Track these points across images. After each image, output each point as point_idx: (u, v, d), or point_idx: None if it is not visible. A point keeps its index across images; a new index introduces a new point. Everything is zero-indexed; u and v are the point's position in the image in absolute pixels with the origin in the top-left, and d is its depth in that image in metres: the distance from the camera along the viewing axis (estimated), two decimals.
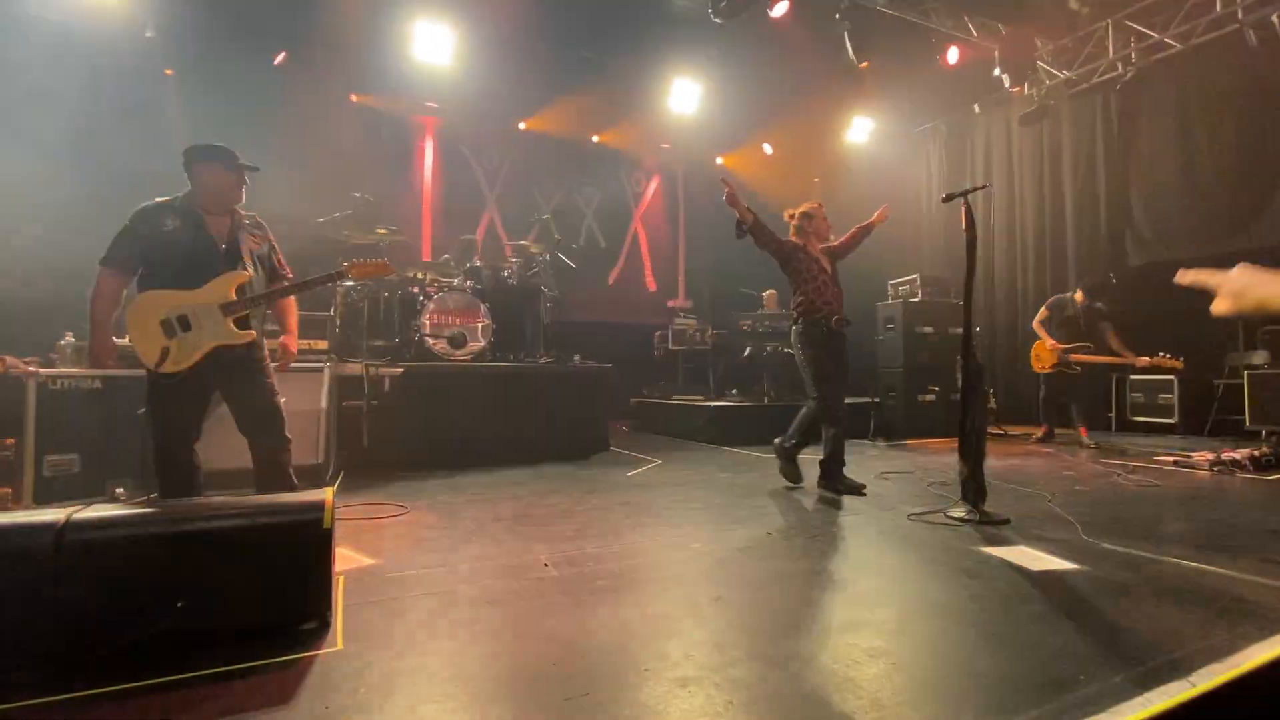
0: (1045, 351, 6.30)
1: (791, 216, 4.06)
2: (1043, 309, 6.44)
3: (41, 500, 3.23)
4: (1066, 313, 6.24)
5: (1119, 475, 4.39)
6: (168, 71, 6.15)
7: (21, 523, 1.68)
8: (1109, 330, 6.05)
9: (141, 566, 1.69)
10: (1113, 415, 7.22)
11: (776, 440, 4.10)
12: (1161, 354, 5.86)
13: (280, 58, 6.62)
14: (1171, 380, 6.71)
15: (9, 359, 3.33)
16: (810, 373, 3.84)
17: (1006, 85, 7.63)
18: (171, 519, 1.79)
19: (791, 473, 4.02)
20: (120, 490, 3.39)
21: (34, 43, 5.42)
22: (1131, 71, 7.20)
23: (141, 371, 2.64)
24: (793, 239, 3.97)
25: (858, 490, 3.75)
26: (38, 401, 3.30)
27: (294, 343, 3.02)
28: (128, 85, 5.83)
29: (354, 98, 7.17)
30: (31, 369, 3.33)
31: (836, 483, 3.80)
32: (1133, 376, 7.09)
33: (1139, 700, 1.45)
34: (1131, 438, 6.62)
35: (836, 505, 3.53)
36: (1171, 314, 7.03)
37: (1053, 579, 2.30)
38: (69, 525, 1.65)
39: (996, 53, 7.39)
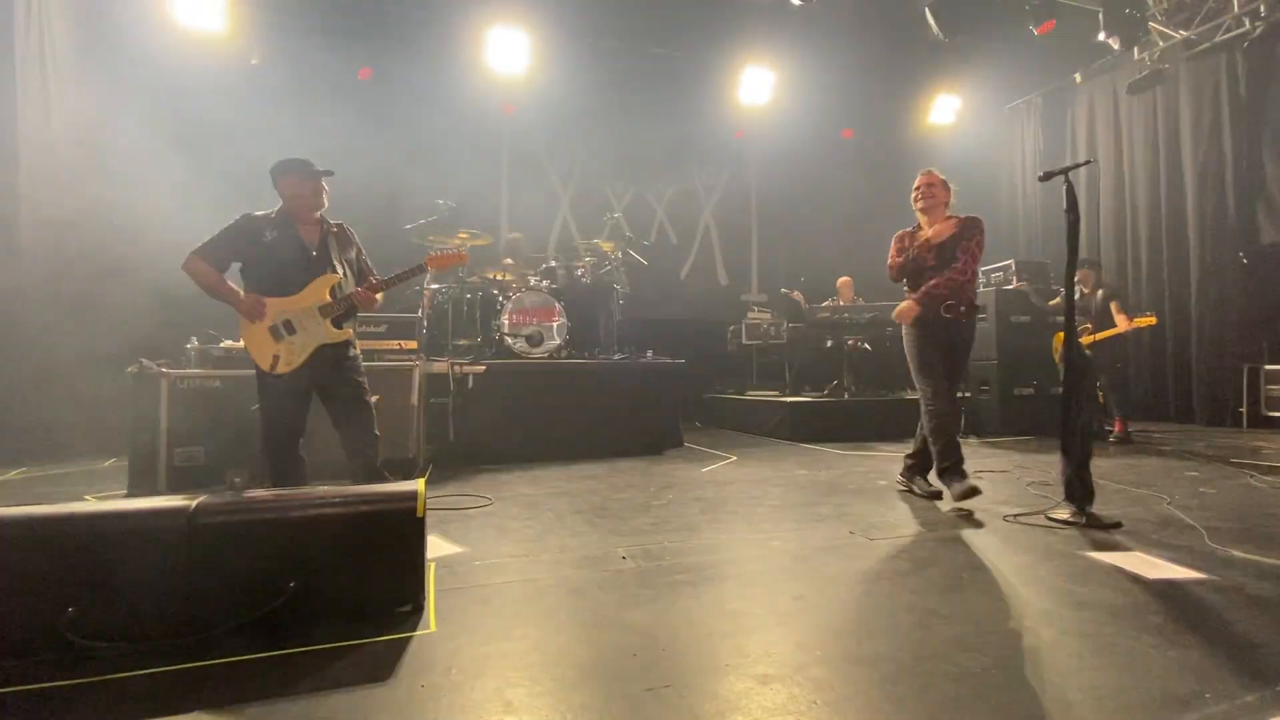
0: (1058, 342, 6.09)
1: None
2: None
3: (173, 488, 3.59)
4: (1077, 300, 5.86)
5: (1252, 476, 3.95)
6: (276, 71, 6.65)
7: (158, 506, 1.87)
8: (1114, 305, 5.66)
9: (259, 549, 1.85)
10: (1244, 411, 6.50)
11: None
12: (1144, 313, 5.61)
13: (365, 72, 7.01)
14: None
15: (145, 362, 3.72)
16: (913, 365, 3.53)
17: (1116, 49, 6.98)
18: (283, 506, 1.95)
19: (960, 487, 3.23)
20: (238, 480, 3.71)
21: (154, 76, 6.03)
22: (1261, 27, 6.44)
23: (252, 371, 2.88)
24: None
25: (933, 495, 3.47)
26: (169, 399, 3.68)
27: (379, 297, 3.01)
28: (242, 109, 6.36)
29: (435, 106, 7.49)
30: (164, 370, 3.71)
31: (912, 480, 3.63)
32: (1268, 367, 6.36)
33: None
34: (1268, 435, 5.94)
35: (924, 506, 3.38)
36: None
37: (1172, 588, 2.11)
38: (198, 509, 1.83)
39: (1101, 15, 6.78)
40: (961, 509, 3.20)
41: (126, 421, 3.69)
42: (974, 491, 3.14)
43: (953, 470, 3.26)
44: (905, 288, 3.58)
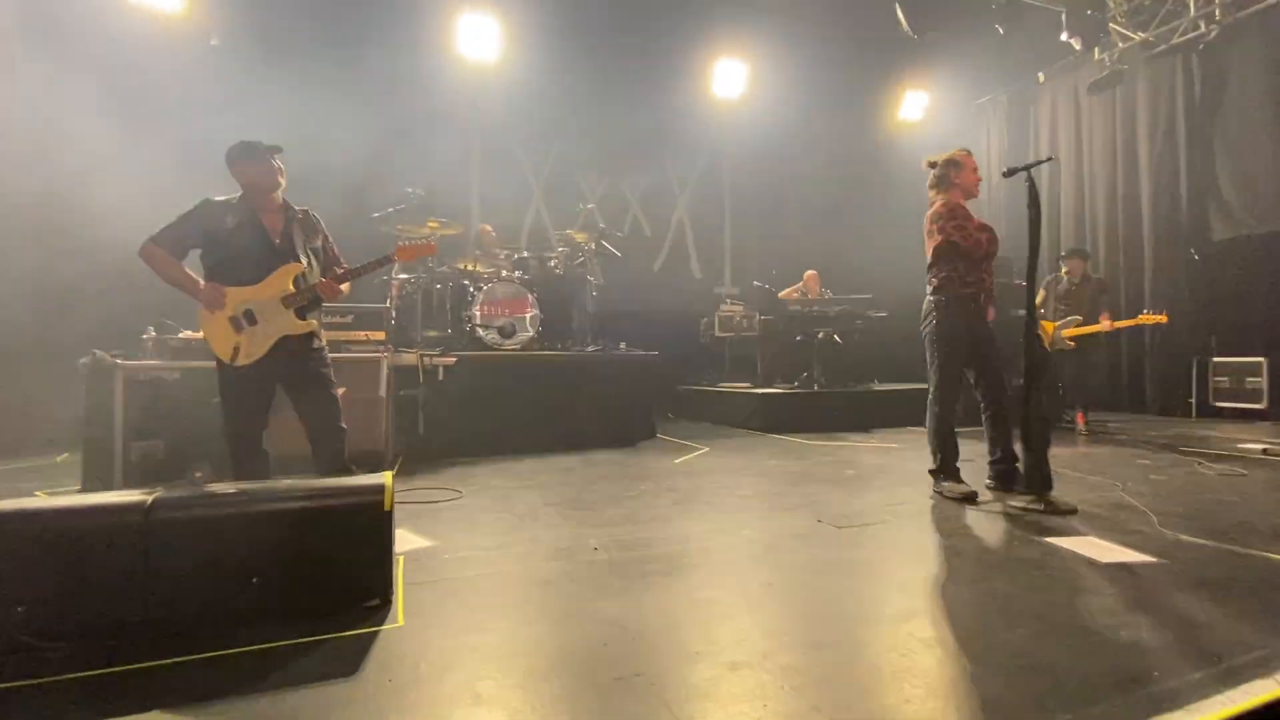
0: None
1: (932, 165, 3.38)
2: (1040, 290, 6.09)
3: (131, 483, 3.47)
4: (1060, 288, 5.96)
5: (1200, 464, 4.12)
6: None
7: (114, 502, 1.81)
8: (1104, 308, 5.76)
9: (220, 544, 1.80)
10: (1193, 401, 6.78)
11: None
12: (1145, 311, 5.64)
13: None
14: (1260, 363, 6.25)
15: (99, 353, 3.59)
16: (937, 360, 3.35)
17: (1076, 49, 7.16)
18: (246, 500, 1.90)
19: (954, 488, 3.24)
20: (199, 474, 3.61)
21: (109, 56, 5.78)
22: (1215, 30, 6.67)
23: (213, 363, 2.79)
24: (936, 194, 3.35)
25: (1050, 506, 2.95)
26: (124, 392, 3.55)
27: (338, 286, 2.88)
28: (201, 91, 6.13)
29: (405, 93, 7.32)
30: (119, 362, 3.57)
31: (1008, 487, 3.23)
32: (1216, 359, 6.63)
33: (1220, 699, 1.37)
34: (1215, 424, 6.21)
35: (892, 494, 3.45)
36: (1261, 290, 6.56)
37: (1124, 571, 2.19)
38: (155, 504, 1.77)
39: (1064, 15, 6.94)
40: (932, 496, 3.30)
41: (80, 415, 3.56)
42: (972, 496, 3.17)
43: (949, 473, 3.32)
44: (938, 273, 3.33)
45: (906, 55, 7.82)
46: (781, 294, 7.31)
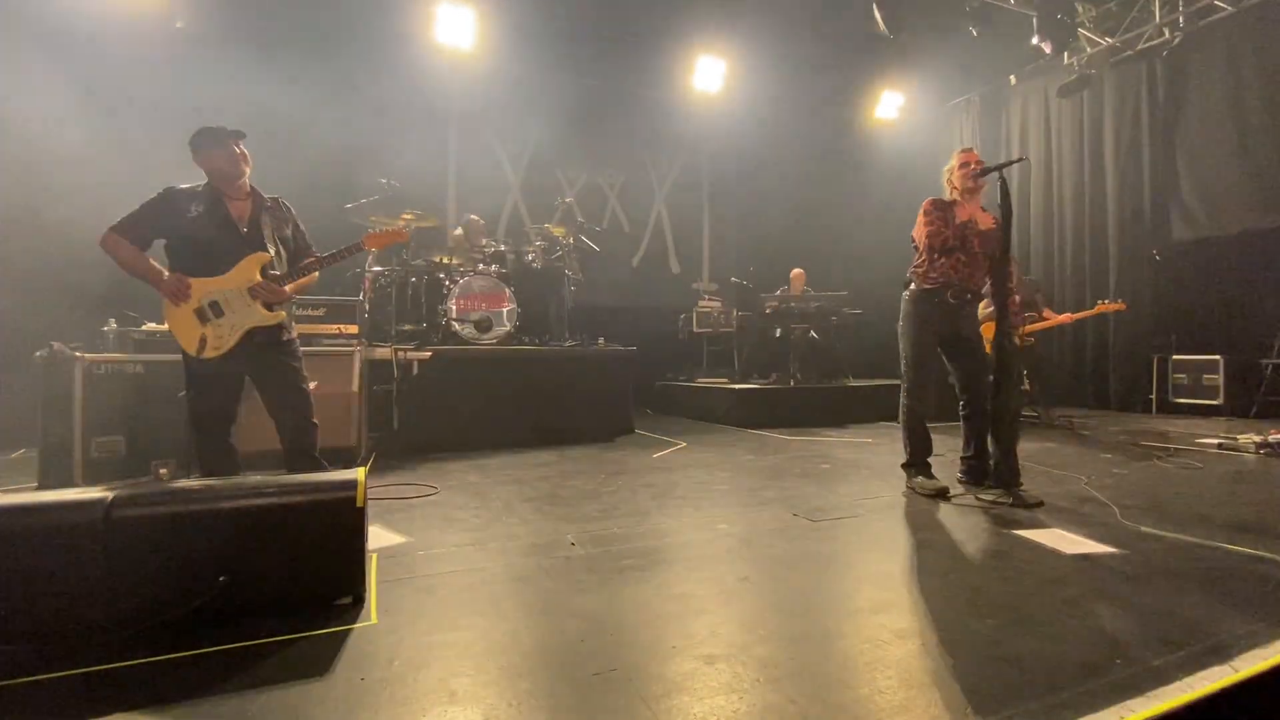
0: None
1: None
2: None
3: (90, 480, 3.36)
4: None
5: (1159, 458, 4.25)
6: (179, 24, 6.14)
7: (71, 499, 1.75)
8: (1043, 304, 6.05)
9: (184, 542, 1.75)
10: (1154, 397, 7.00)
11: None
12: (1102, 300, 5.91)
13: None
14: (1217, 361, 6.48)
15: (56, 345, 3.46)
16: (906, 352, 3.42)
17: (1046, 53, 7.31)
18: (212, 497, 1.84)
19: (925, 484, 3.30)
20: (164, 470, 3.51)
21: (72, 41, 5.56)
22: (1179, 37, 6.86)
23: (179, 356, 2.71)
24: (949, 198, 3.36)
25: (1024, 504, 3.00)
26: (84, 386, 3.43)
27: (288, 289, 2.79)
28: (165, 76, 5.93)
29: (379, 82, 7.18)
30: (78, 355, 3.45)
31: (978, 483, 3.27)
32: (1175, 357, 6.85)
33: (1178, 685, 1.42)
34: (1175, 420, 6.42)
35: (865, 488, 3.49)
36: (1218, 291, 6.80)
37: (1088, 562, 2.25)
38: (116, 501, 1.71)
39: (1034, 19, 7.08)
40: (905, 491, 3.35)
41: (37, 409, 3.43)
42: (944, 492, 3.21)
43: (920, 468, 3.36)
44: (922, 268, 3.35)
45: (883, 55, 7.90)
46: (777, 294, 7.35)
